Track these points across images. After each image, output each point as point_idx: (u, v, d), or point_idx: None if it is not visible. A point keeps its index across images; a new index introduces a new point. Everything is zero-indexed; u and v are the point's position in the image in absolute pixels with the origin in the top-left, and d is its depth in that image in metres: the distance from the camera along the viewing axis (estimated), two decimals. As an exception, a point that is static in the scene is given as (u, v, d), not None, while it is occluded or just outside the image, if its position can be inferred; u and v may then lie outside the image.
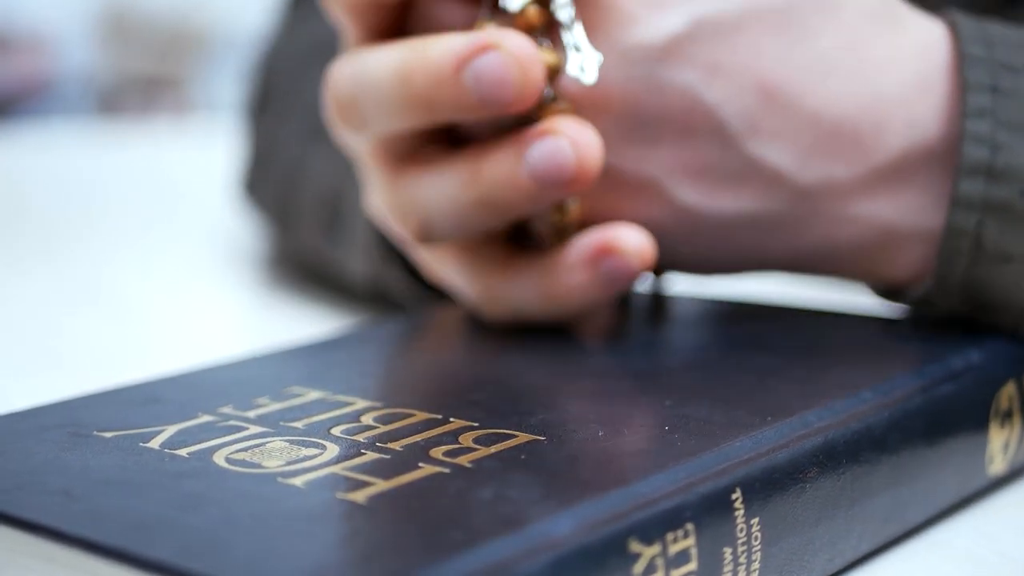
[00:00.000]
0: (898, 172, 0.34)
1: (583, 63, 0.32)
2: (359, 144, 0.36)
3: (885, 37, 0.34)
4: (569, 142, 0.32)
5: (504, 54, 0.32)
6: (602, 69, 0.33)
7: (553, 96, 0.33)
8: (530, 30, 0.33)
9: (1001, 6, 0.44)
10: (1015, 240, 0.33)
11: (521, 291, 0.35)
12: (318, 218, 0.48)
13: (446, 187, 0.34)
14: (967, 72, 0.33)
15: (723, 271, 0.36)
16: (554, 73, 0.33)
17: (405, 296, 0.44)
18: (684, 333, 0.35)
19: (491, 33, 0.32)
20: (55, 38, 2.66)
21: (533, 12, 0.33)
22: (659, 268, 0.37)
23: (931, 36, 0.35)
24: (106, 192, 0.88)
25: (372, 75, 0.34)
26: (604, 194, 0.34)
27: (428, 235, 0.35)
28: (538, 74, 0.32)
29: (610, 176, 0.34)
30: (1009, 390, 0.32)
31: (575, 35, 0.33)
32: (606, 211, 0.35)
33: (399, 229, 0.36)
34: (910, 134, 0.34)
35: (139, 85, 2.68)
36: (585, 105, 0.33)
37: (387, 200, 0.36)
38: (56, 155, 1.05)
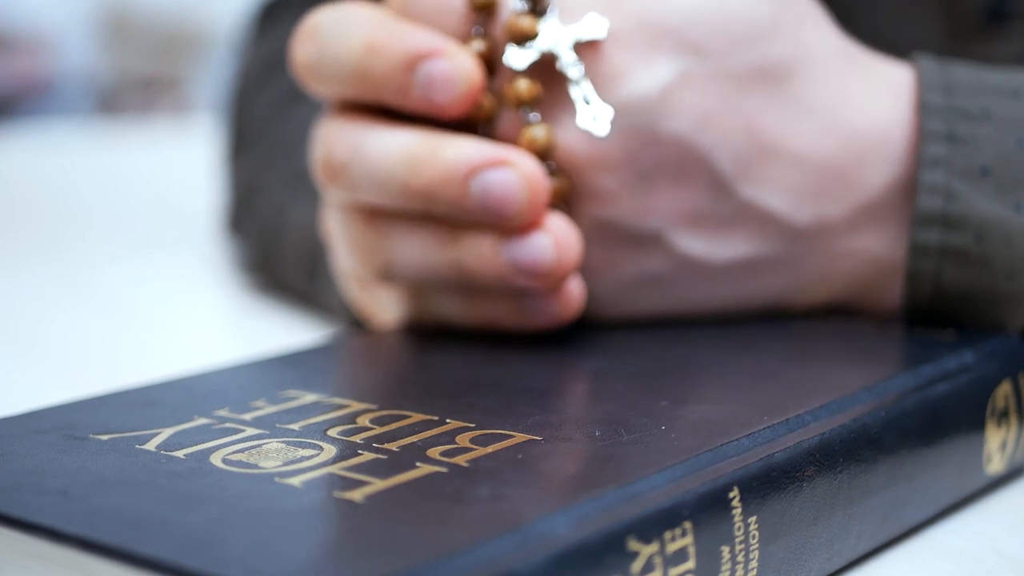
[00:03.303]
0: (882, 206, 0.35)
1: (595, 115, 0.33)
2: (339, 198, 0.36)
3: (857, 76, 0.35)
4: (553, 241, 0.33)
5: (516, 174, 0.32)
6: (600, 125, 0.33)
7: (554, 169, 0.34)
8: (521, 101, 0.34)
9: (985, 24, 0.45)
10: (974, 282, 0.34)
11: (449, 307, 0.36)
12: (300, 265, 0.49)
13: (420, 244, 0.35)
14: (924, 121, 0.34)
15: (723, 313, 0.36)
16: (550, 147, 0.34)
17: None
18: (680, 334, 0.35)
19: (506, 151, 0.33)
20: (55, 38, 2.65)
21: (526, 85, 0.34)
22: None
23: (898, 77, 0.36)
24: (105, 192, 0.88)
25: (374, 155, 0.34)
26: (605, 249, 0.35)
27: (388, 276, 0.36)
28: (543, 199, 0.33)
29: (611, 231, 0.35)
30: (1005, 389, 0.32)
31: (584, 89, 0.33)
32: (607, 265, 0.35)
33: (357, 262, 0.36)
34: (888, 169, 0.35)
35: (139, 85, 2.68)
36: (585, 164, 0.34)
37: (354, 235, 0.36)
38: (56, 155, 1.05)
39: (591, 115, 0.33)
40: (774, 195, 0.35)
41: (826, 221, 0.35)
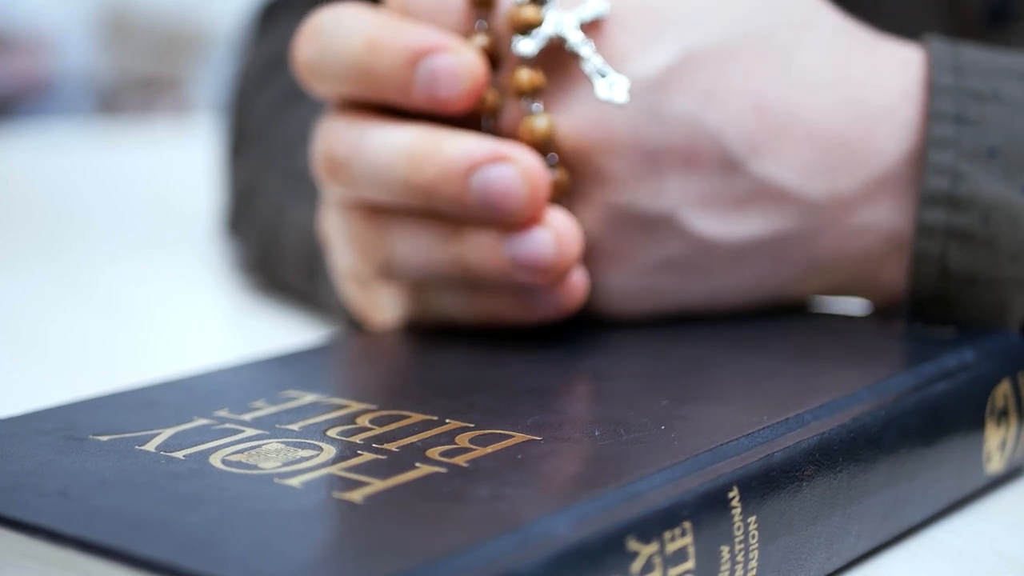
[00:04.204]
0: (895, 178, 0.35)
1: (612, 85, 0.33)
2: (340, 195, 0.36)
3: (863, 52, 0.35)
4: (554, 236, 0.33)
5: (517, 170, 0.32)
6: (604, 109, 0.33)
7: (555, 162, 0.34)
8: (522, 91, 0.34)
9: (986, 25, 0.45)
10: (979, 264, 0.34)
11: (451, 303, 0.36)
12: (300, 266, 0.49)
13: (421, 241, 0.35)
14: (932, 102, 0.34)
15: (743, 299, 0.36)
16: (551, 136, 0.34)
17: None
18: (680, 333, 0.35)
19: (507, 146, 0.33)
20: (55, 38, 2.65)
21: (527, 75, 0.34)
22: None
23: (907, 55, 0.36)
24: (105, 192, 0.88)
25: (375, 152, 0.34)
26: (619, 235, 0.35)
27: (389, 274, 0.36)
28: (544, 195, 0.33)
29: (624, 216, 0.35)
30: (1004, 388, 0.32)
31: (597, 63, 0.33)
32: (623, 252, 0.35)
33: (358, 259, 0.36)
34: (899, 141, 0.35)
35: (139, 85, 2.68)
36: (593, 149, 0.34)
37: (354, 233, 0.36)
38: (56, 155, 1.05)
39: (608, 85, 0.33)
40: (786, 170, 0.34)
41: (840, 194, 0.35)
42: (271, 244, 0.52)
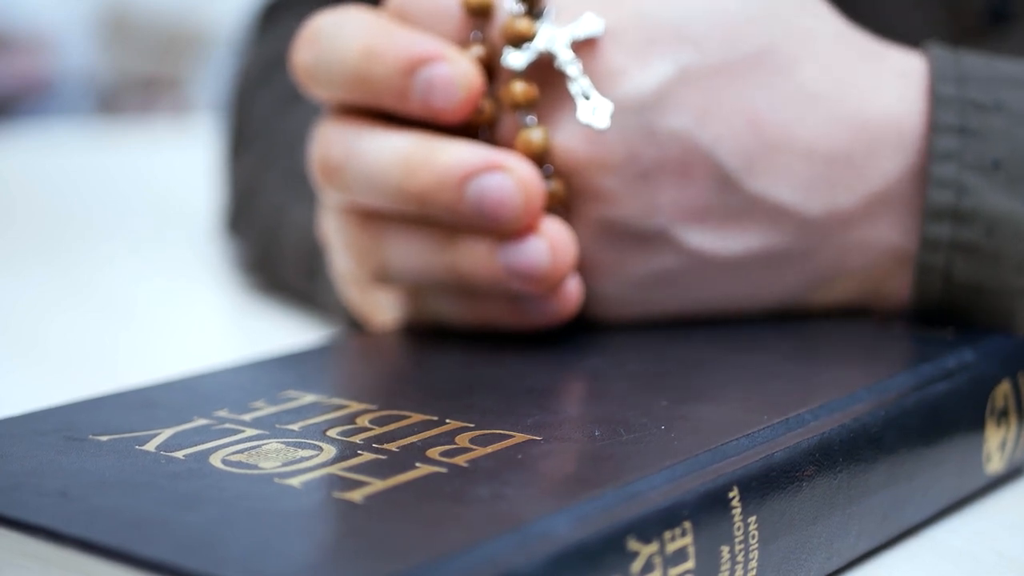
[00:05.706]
0: (896, 195, 0.35)
1: (594, 109, 0.33)
2: (336, 200, 0.36)
3: (864, 63, 0.35)
4: (548, 245, 0.33)
5: (512, 179, 0.32)
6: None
7: (551, 172, 0.34)
8: (516, 104, 0.34)
9: (986, 25, 0.44)
10: (984, 275, 0.34)
11: (447, 308, 0.36)
12: (300, 266, 0.49)
13: (416, 247, 0.35)
14: (935, 114, 0.34)
15: (739, 311, 0.36)
16: (546, 149, 0.34)
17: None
18: (679, 333, 0.35)
19: (502, 155, 0.33)
20: (55, 38, 2.65)
21: (521, 88, 0.34)
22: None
23: (910, 64, 0.35)
24: (105, 192, 0.88)
25: (370, 158, 0.34)
26: (613, 249, 0.35)
27: (384, 279, 0.36)
28: (539, 204, 0.33)
29: (617, 231, 0.35)
30: (1004, 388, 0.32)
31: (583, 85, 0.33)
32: (616, 265, 0.35)
33: (354, 264, 0.36)
34: (901, 158, 0.35)
35: (139, 85, 2.68)
36: (586, 165, 0.34)
37: (350, 237, 0.36)
38: (56, 155, 1.05)
39: (591, 109, 0.33)
40: (782, 187, 0.34)
41: (838, 211, 0.35)
42: (271, 244, 0.52)
